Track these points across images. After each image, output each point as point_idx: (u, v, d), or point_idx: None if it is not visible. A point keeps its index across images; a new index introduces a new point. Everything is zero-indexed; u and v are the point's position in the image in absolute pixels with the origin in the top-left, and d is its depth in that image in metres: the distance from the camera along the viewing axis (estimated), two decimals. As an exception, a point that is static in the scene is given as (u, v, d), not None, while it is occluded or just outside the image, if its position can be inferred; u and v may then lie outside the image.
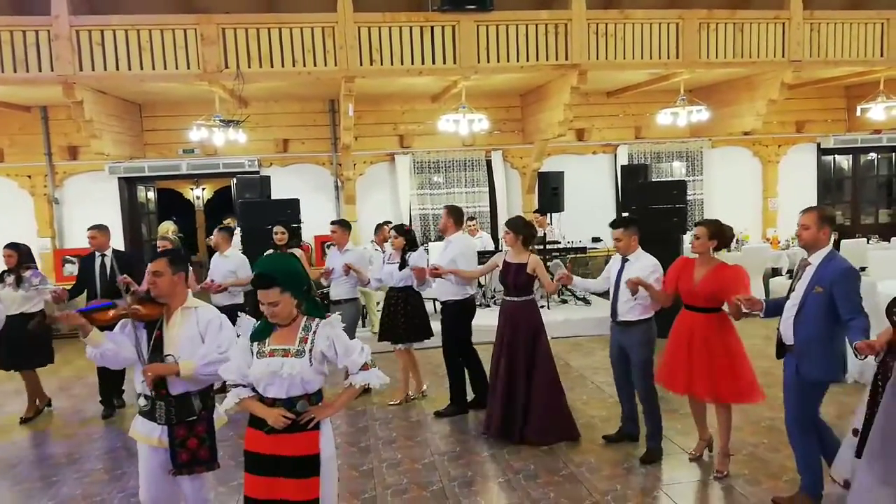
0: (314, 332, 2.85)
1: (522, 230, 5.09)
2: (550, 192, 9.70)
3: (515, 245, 5.09)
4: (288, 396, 2.82)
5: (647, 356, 4.66)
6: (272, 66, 8.29)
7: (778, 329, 3.86)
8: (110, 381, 6.31)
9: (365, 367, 2.90)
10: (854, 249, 9.52)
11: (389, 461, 4.88)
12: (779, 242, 10.98)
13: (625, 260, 4.73)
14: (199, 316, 3.21)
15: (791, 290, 3.80)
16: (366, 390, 3.51)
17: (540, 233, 9.75)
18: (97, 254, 6.29)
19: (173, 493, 3.29)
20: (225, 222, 8.62)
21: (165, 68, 8.09)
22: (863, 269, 7.85)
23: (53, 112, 9.96)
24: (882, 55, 9.43)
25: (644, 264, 4.62)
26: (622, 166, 10.30)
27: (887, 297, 3.50)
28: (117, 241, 8.44)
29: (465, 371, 5.89)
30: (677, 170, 11.56)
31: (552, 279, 5.16)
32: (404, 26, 8.48)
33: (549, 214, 10.11)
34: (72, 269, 8.85)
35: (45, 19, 7.83)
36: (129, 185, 10.50)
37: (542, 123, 10.15)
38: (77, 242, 8.20)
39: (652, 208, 8.32)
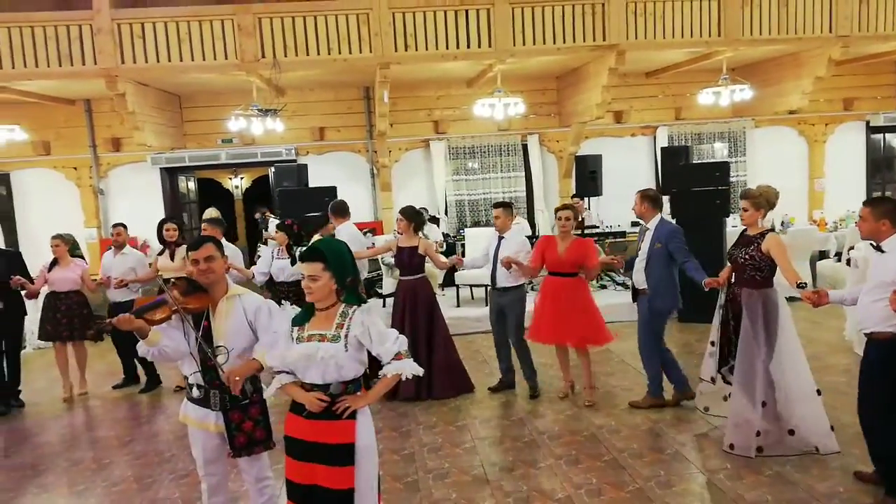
0: (350, 318, 2.84)
1: (414, 218, 5.91)
2: (588, 175, 9.57)
3: (408, 231, 5.89)
4: (324, 382, 2.82)
5: (519, 314, 5.71)
6: (308, 55, 8.34)
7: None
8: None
9: (398, 356, 2.84)
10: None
11: (430, 445, 4.91)
12: (826, 224, 10.64)
13: (501, 237, 5.69)
14: (244, 304, 3.15)
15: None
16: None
17: (578, 217, 9.68)
18: None
19: (230, 472, 3.36)
20: (207, 214, 8.61)
21: (204, 59, 8.20)
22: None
23: (97, 105, 10.20)
24: (936, 28, 9.03)
25: (516, 241, 5.66)
26: (662, 148, 10.11)
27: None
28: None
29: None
30: (719, 151, 11.28)
31: None
32: (439, 11, 8.42)
33: (586, 198, 9.98)
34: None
35: (87, 13, 8.00)
36: (170, 176, 10.71)
37: (579, 106, 10.00)
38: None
39: (694, 191, 8.14)
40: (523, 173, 11.05)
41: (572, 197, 9.88)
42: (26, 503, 4.43)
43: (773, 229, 4.54)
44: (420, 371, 2.89)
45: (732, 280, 4.60)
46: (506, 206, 5.79)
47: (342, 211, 6.77)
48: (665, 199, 9.91)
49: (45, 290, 6.63)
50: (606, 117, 10.36)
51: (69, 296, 6.52)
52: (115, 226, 6.85)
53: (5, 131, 8.35)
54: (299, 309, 2.98)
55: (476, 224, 10.87)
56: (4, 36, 7.96)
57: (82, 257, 6.85)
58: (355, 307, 2.88)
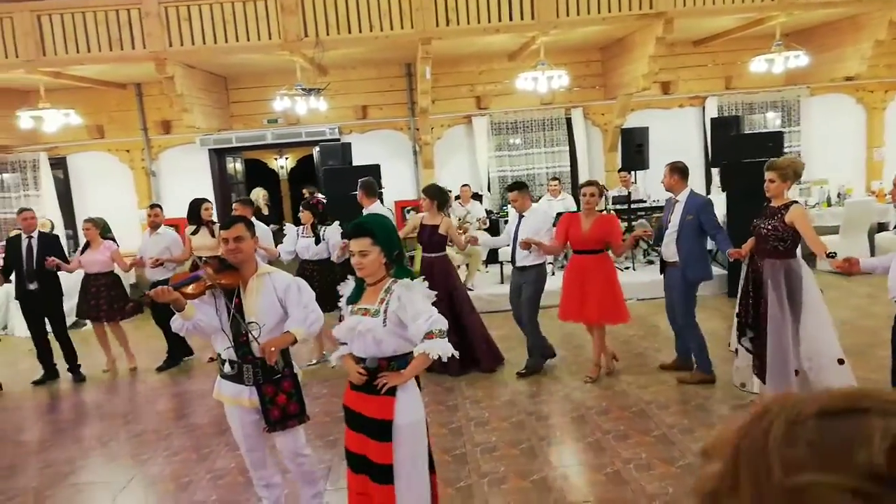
0: (391, 293, 2.86)
1: (437, 196, 5.93)
2: (634, 149, 9.38)
3: (431, 209, 5.93)
4: (365, 355, 2.88)
5: (535, 292, 5.72)
6: (350, 32, 8.33)
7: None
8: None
9: (430, 335, 2.77)
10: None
11: (477, 419, 4.95)
12: (885, 195, 10.21)
13: (521, 216, 5.69)
14: (274, 282, 3.23)
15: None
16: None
17: (624, 191, 9.51)
18: (24, 236, 6.59)
19: (265, 449, 3.43)
20: (254, 194, 8.71)
21: (248, 40, 8.29)
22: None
23: (147, 88, 10.43)
24: None
25: (536, 219, 5.66)
26: (712, 119, 9.82)
27: None
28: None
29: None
30: (771, 121, 10.90)
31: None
32: (480, -17, 8.30)
33: (633, 172, 9.80)
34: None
35: (136, -2, 8.16)
36: (218, 157, 10.93)
37: (624, 77, 9.78)
38: (173, 213, 8.65)
39: (745, 162, 7.90)
40: (567, 148, 10.90)
41: (619, 171, 9.71)
42: (92, 470, 4.66)
43: (796, 201, 4.46)
44: (450, 352, 2.79)
45: (755, 252, 4.61)
46: (521, 187, 5.79)
47: (372, 190, 6.68)
48: (715, 171, 9.70)
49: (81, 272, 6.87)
50: (653, 88, 10.09)
51: (98, 277, 6.75)
52: (150, 206, 7.03)
53: (61, 116, 8.61)
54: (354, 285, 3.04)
55: (519, 200, 10.79)
56: (58, 22, 8.19)
57: (113, 239, 7.04)
58: (397, 282, 2.90)
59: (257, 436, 3.34)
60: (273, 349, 3.04)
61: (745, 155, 8.01)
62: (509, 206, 9.86)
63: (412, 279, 2.92)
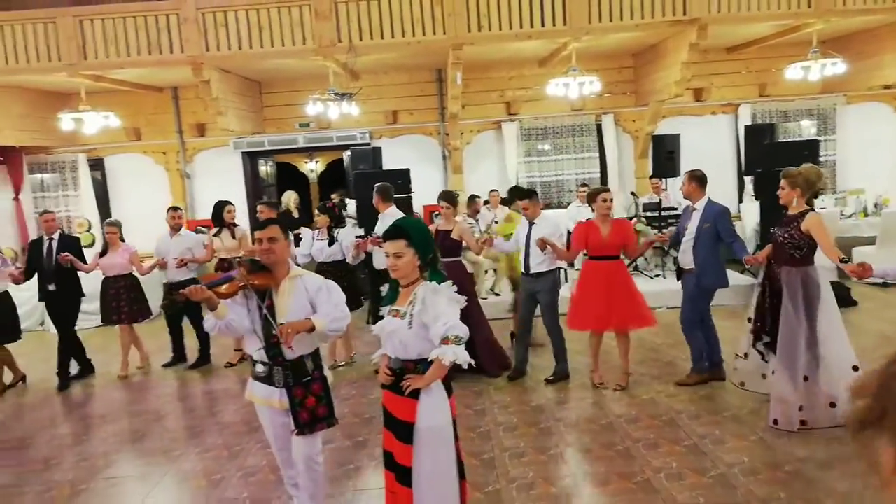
0: (418, 295, 2.87)
1: (454, 202, 6.12)
2: (665, 155, 9.28)
3: (448, 215, 6.08)
4: (393, 356, 2.91)
5: (553, 299, 5.78)
6: (382, 38, 8.41)
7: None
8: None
9: (445, 341, 2.70)
10: None
11: (506, 424, 4.95)
12: (924, 206, 9.99)
13: (531, 223, 5.70)
14: (306, 284, 3.27)
15: None
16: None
17: (655, 199, 9.43)
18: (45, 237, 6.69)
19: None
20: (286, 197, 9.05)
21: (283, 45, 8.42)
22: None
23: (183, 92, 10.65)
24: None
25: (547, 226, 5.68)
26: (746, 126, 9.69)
27: None
28: (242, 214, 8.96)
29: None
30: (806, 129, 10.73)
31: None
32: (512, -10, 8.32)
33: (664, 179, 9.70)
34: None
35: (174, 3, 8.34)
36: (251, 160, 11.09)
37: (657, 84, 9.71)
38: (207, 214, 8.79)
39: (780, 171, 7.75)
40: (597, 154, 10.84)
41: (650, 178, 9.63)
42: (126, 465, 4.76)
43: (812, 209, 4.53)
44: (466, 359, 2.70)
45: (772, 259, 4.68)
46: (531, 194, 5.85)
47: (387, 194, 6.58)
48: (748, 179, 9.58)
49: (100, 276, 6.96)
50: (685, 95, 10.01)
51: (118, 280, 6.86)
52: (171, 209, 7.12)
53: (101, 118, 8.83)
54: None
55: (548, 206, 10.76)
56: (100, 27, 8.41)
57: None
58: (425, 284, 2.90)
59: (286, 437, 3.38)
60: (289, 330, 3.05)
61: (780, 163, 7.80)
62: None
63: (440, 283, 2.93)
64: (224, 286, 3.16)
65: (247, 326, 3.26)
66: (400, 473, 2.87)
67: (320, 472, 3.44)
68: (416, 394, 2.82)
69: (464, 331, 2.74)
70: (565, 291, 6.25)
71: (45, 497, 4.32)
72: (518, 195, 6.10)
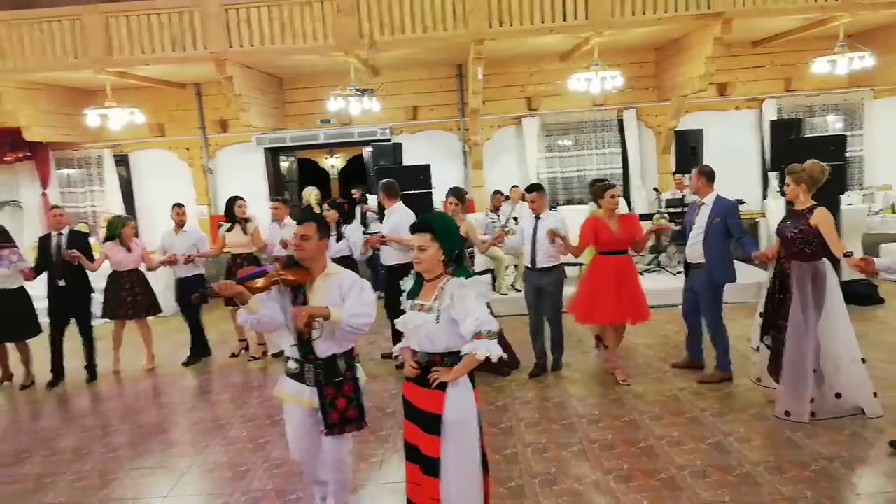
0: (445, 290, 2.87)
1: (462, 198, 6.18)
2: (688, 151, 9.21)
3: (456, 211, 6.05)
4: (419, 349, 2.93)
5: (560, 292, 5.86)
6: (403, 34, 8.43)
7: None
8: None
9: (478, 335, 2.74)
10: None
11: (528, 420, 4.95)
12: (954, 202, 9.80)
13: (537, 218, 5.75)
14: (340, 281, 3.26)
15: None
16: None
17: (678, 194, 9.36)
18: (53, 233, 6.69)
19: (319, 451, 3.44)
20: (307, 193, 9.18)
21: (305, 42, 8.46)
22: None
23: (206, 88, 10.75)
24: None
25: (553, 221, 5.70)
26: (771, 122, 9.56)
27: None
28: (263, 209, 9.03)
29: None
30: (832, 124, 10.56)
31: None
32: (533, -16, 8.28)
33: (686, 175, 9.61)
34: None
35: (198, 0, 8.40)
36: (273, 155, 11.17)
37: (680, 78, 9.62)
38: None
39: (805, 166, 7.66)
40: (619, 149, 10.77)
41: (674, 174, 9.55)
42: (154, 455, 4.84)
43: (820, 203, 4.57)
44: (498, 353, 2.75)
45: (782, 254, 4.72)
46: (539, 188, 5.88)
47: (392, 190, 6.52)
48: (772, 175, 9.46)
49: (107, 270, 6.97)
50: (709, 90, 9.87)
51: (129, 275, 6.89)
52: (175, 205, 7.12)
53: (127, 114, 8.95)
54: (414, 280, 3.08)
55: (569, 202, 10.73)
56: (125, 24, 8.51)
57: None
58: (452, 279, 2.91)
59: (311, 437, 3.38)
60: (304, 313, 3.03)
61: (806, 159, 7.67)
62: (559, 207, 9.91)
63: (467, 278, 2.94)
64: (259, 280, 3.17)
65: (279, 322, 3.26)
66: (426, 465, 2.89)
67: (348, 474, 3.46)
68: (442, 386, 2.85)
69: (495, 325, 2.80)
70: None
71: (75, 486, 4.41)
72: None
